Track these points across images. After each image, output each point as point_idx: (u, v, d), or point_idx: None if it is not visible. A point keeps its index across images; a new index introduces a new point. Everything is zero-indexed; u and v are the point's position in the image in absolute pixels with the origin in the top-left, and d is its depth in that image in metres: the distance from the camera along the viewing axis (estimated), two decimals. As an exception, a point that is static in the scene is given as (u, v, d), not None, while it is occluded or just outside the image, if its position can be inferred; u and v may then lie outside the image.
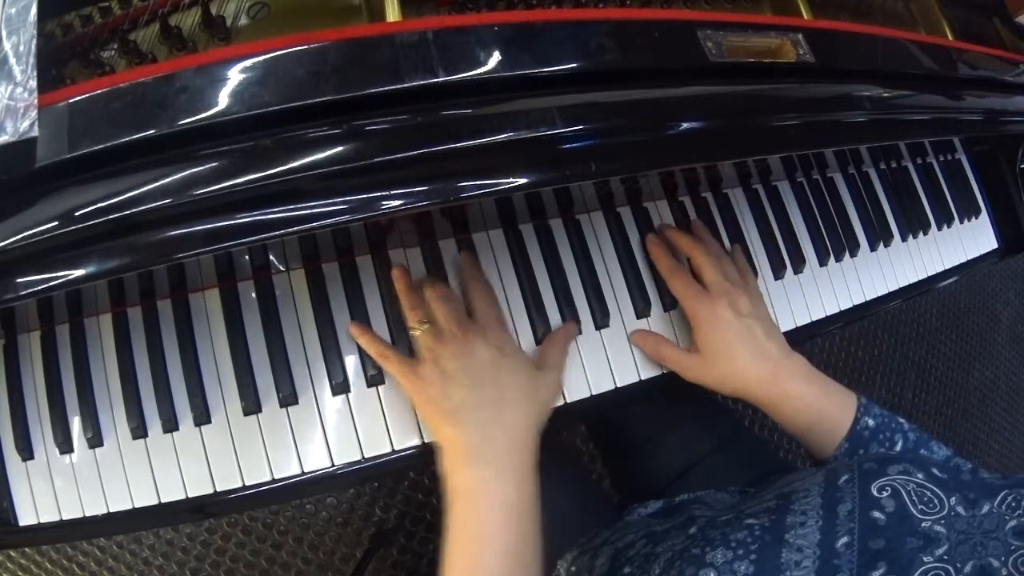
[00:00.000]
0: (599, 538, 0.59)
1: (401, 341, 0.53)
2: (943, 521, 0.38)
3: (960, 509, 0.38)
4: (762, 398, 0.55)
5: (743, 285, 0.58)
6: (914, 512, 0.38)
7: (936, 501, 0.39)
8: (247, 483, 0.50)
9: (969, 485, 0.40)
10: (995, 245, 0.87)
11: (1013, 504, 0.38)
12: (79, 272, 0.37)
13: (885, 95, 0.56)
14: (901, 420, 0.54)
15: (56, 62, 0.45)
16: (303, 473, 0.51)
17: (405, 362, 0.50)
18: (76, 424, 0.50)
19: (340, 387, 0.52)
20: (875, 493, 0.40)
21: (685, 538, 0.47)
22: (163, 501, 0.50)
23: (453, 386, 0.47)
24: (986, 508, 0.38)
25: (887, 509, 0.39)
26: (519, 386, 0.49)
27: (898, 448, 0.53)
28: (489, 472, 0.46)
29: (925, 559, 0.35)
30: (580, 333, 0.57)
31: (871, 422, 0.53)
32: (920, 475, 0.41)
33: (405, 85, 0.40)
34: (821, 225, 0.70)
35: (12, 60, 0.36)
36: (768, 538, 0.40)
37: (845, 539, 0.38)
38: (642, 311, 0.60)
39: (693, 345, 0.57)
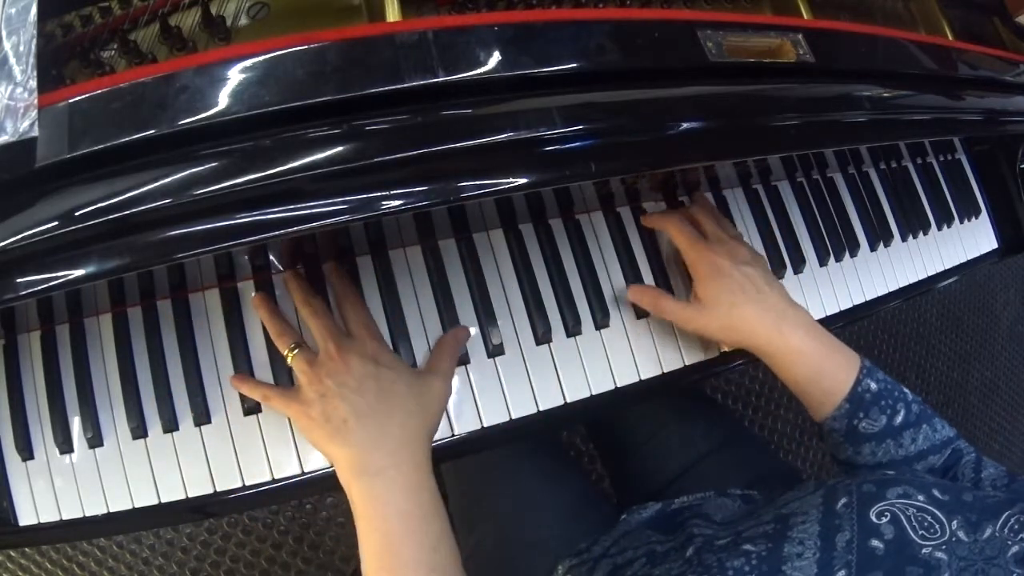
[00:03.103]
0: (598, 547, 0.59)
1: (403, 341, 0.53)
2: (944, 547, 0.37)
3: (961, 534, 0.38)
4: (763, 347, 0.54)
5: (742, 239, 0.58)
6: (914, 538, 0.38)
7: (937, 526, 0.38)
8: (247, 483, 0.50)
9: (971, 506, 0.39)
10: (995, 245, 0.87)
11: (1016, 527, 0.38)
12: (79, 272, 0.37)
13: (885, 95, 0.56)
14: (906, 391, 0.53)
15: (56, 62, 0.44)
16: (303, 473, 0.51)
17: (285, 394, 0.49)
18: (76, 424, 0.50)
19: (340, 387, 0.52)
20: (874, 519, 0.39)
21: (683, 562, 0.47)
22: (163, 501, 0.50)
23: (333, 404, 0.46)
24: (988, 532, 0.38)
25: (886, 536, 0.38)
26: (401, 394, 0.48)
27: (899, 418, 0.52)
28: (379, 485, 0.45)
29: None
30: (468, 338, 0.55)
31: (874, 386, 0.52)
32: (921, 497, 0.40)
33: (405, 85, 0.40)
34: (821, 225, 0.70)
35: (12, 60, 0.36)
36: (765, 568, 0.40)
37: (843, 572, 0.38)
38: (642, 311, 0.60)
39: (694, 296, 0.57)
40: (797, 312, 0.55)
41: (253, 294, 0.52)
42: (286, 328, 0.51)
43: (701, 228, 0.59)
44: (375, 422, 0.46)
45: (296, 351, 0.49)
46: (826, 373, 0.53)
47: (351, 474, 0.45)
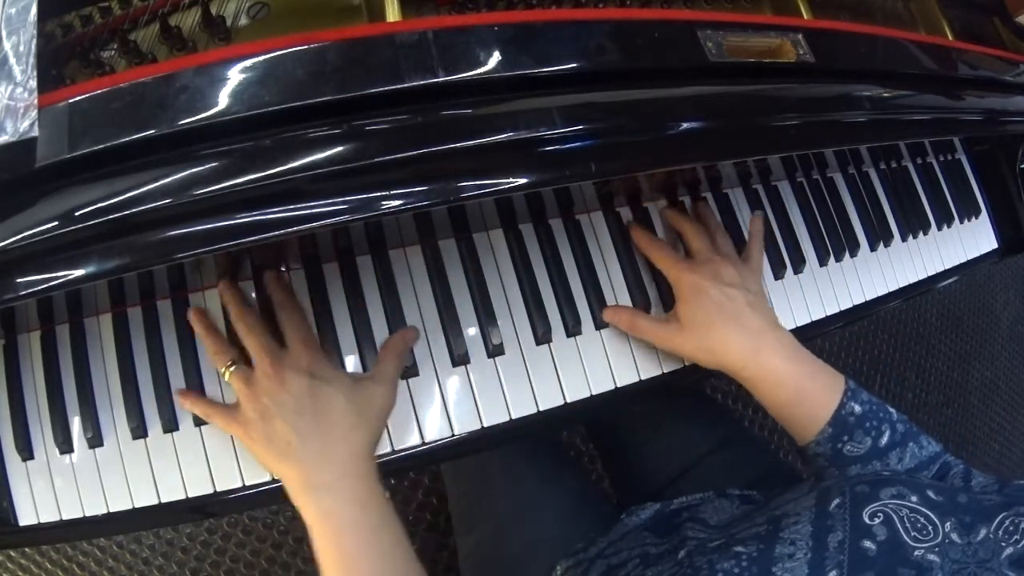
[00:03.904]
0: (594, 547, 0.59)
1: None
2: (937, 549, 0.37)
3: (955, 536, 0.38)
4: (739, 372, 0.53)
5: (734, 257, 0.58)
6: (906, 539, 0.38)
7: (930, 528, 0.38)
8: (247, 483, 0.50)
9: (965, 508, 0.39)
10: (995, 245, 0.87)
11: (1011, 528, 0.37)
12: (79, 272, 0.37)
13: (885, 95, 0.56)
14: (891, 410, 0.53)
15: (56, 62, 0.44)
16: (303, 473, 0.51)
17: (226, 413, 0.49)
18: (76, 424, 0.50)
19: (340, 387, 0.52)
20: (866, 520, 0.39)
21: (674, 564, 0.47)
22: (163, 501, 0.50)
23: (273, 423, 0.46)
24: (982, 534, 0.37)
25: (878, 537, 0.38)
26: (340, 407, 0.47)
27: (885, 439, 0.51)
28: (328, 500, 0.45)
29: None
30: (416, 339, 0.54)
31: (857, 408, 0.51)
32: (914, 498, 0.40)
33: (405, 85, 0.40)
34: (821, 225, 0.70)
35: (12, 60, 0.36)
36: (756, 570, 0.40)
37: (834, 573, 0.37)
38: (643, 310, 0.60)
39: (673, 314, 0.57)
40: (779, 335, 0.54)
41: (189, 310, 0.51)
42: (223, 345, 0.50)
43: (689, 245, 0.59)
44: (317, 439, 0.46)
45: (232, 368, 0.48)
46: (807, 397, 0.52)
47: (301, 490, 0.46)
